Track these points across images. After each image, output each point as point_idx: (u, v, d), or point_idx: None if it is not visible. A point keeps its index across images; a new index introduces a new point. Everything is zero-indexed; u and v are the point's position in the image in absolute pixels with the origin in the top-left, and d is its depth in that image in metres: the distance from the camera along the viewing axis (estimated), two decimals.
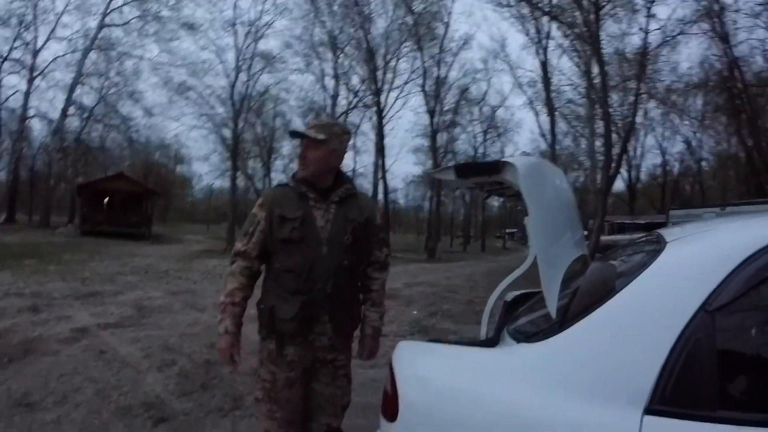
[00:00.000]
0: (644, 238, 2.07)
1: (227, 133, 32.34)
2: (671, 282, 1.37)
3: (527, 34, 29.98)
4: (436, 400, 1.55)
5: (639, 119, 32.14)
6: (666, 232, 1.73)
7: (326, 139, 2.45)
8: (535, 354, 1.46)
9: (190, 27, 32.76)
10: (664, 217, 26.15)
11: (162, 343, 6.05)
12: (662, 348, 1.26)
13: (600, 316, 1.39)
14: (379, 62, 34.63)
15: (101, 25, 34.45)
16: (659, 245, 1.54)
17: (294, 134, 2.57)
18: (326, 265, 2.38)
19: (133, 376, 4.88)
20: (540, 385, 1.38)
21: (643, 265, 1.46)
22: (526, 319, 1.84)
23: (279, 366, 2.44)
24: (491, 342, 1.68)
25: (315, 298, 2.37)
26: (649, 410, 1.23)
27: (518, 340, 1.60)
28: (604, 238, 23.24)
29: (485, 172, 1.95)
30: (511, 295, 2.29)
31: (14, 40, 33.81)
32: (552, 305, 1.55)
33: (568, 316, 1.47)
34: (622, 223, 32.84)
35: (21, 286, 10.00)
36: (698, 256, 1.44)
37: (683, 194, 45.97)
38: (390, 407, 1.65)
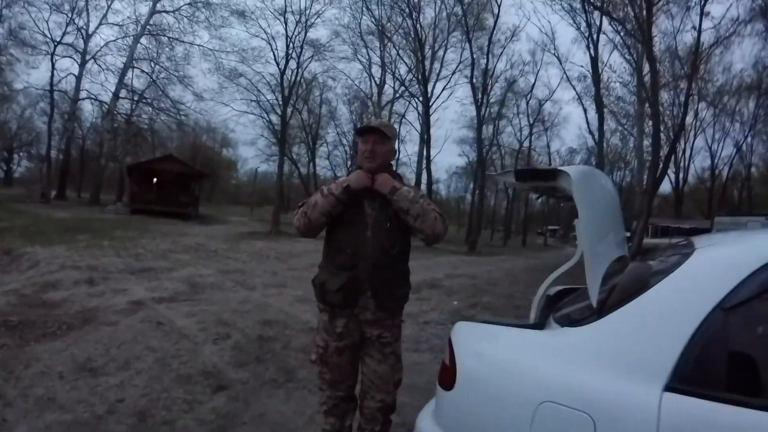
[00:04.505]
0: (680, 243, 2.29)
1: (275, 118, 32.77)
2: (695, 282, 1.61)
3: (578, 28, 29.63)
4: (491, 372, 1.83)
5: (689, 120, 31.47)
6: (697, 239, 1.97)
7: (391, 138, 2.88)
8: (577, 336, 1.72)
9: (241, 14, 33.09)
10: (710, 223, 25.63)
11: (216, 318, 6.30)
12: (682, 337, 1.50)
13: (633, 306, 1.65)
14: (427, 52, 34.58)
15: (152, 11, 35.19)
16: (690, 250, 1.78)
17: (369, 129, 2.88)
18: (370, 246, 2.73)
19: (190, 347, 5.14)
20: (580, 362, 1.64)
21: (674, 267, 1.70)
22: (569, 308, 2.09)
23: (330, 335, 2.84)
24: (539, 325, 1.97)
25: (359, 273, 2.72)
26: (668, 387, 1.47)
27: (562, 325, 1.87)
28: (647, 241, 22.86)
29: (542, 178, 2.22)
30: (553, 290, 2.54)
31: (67, 26, 34.83)
32: (594, 296, 1.80)
33: (606, 306, 1.72)
34: (667, 226, 32.30)
35: (76, 259, 10.45)
36: (719, 262, 1.67)
37: (731, 200, 44.81)
38: (448, 377, 1.93)
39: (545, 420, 1.60)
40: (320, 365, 2.92)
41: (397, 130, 3.39)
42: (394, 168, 3.05)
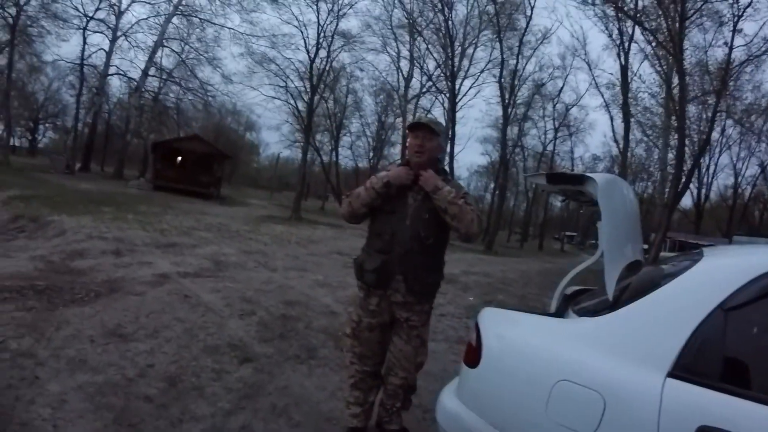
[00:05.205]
0: (692, 252, 2.49)
1: (301, 105, 32.84)
2: (700, 284, 1.82)
3: (610, 35, 29.33)
4: (513, 352, 2.06)
5: (715, 136, 31.17)
6: (707, 249, 2.18)
7: (439, 134, 3.07)
8: (592, 325, 1.94)
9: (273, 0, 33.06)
10: (728, 241, 25.48)
11: (240, 295, 6.50)
12: (685, 331, 1.71)
13: (645, 302, 1.86)
14: (456, 48, 34.50)
15: None
16: (699, 257, 1.99)
17: (418, 125, 3.07)
18: (406, 234, 2.95)
19: (216, 320, 5.32)
20: (594, 347, 1.86)
21: (683, 270, 1.91)
22: (587, 303, 2.32)
23: (364, 311, 3.11)
24: (558, 314, 2.18)
25: (393, 258, 2.95)
26: (671, 374, 1.67)
27: (580, 315, 2.08)
28: (663, 254, 22.72)
29: (571, 182, 2.44)
30: (570, 289, 2.75)
31: (100, 1, 34.88)
32: (610, 290, 2.01)
33: (620, 301, 1.94)
34: (684, 241, 32.12)
35: (103, 230, 10.65)
36: (723, 268, 1.89)
37: (751, 220, 44.33)
38: (473, 356, 2.15)
39: (561, 396, 1.82)
40: (352, 338, 3.18)
41: (444, 127, 3.63)
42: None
